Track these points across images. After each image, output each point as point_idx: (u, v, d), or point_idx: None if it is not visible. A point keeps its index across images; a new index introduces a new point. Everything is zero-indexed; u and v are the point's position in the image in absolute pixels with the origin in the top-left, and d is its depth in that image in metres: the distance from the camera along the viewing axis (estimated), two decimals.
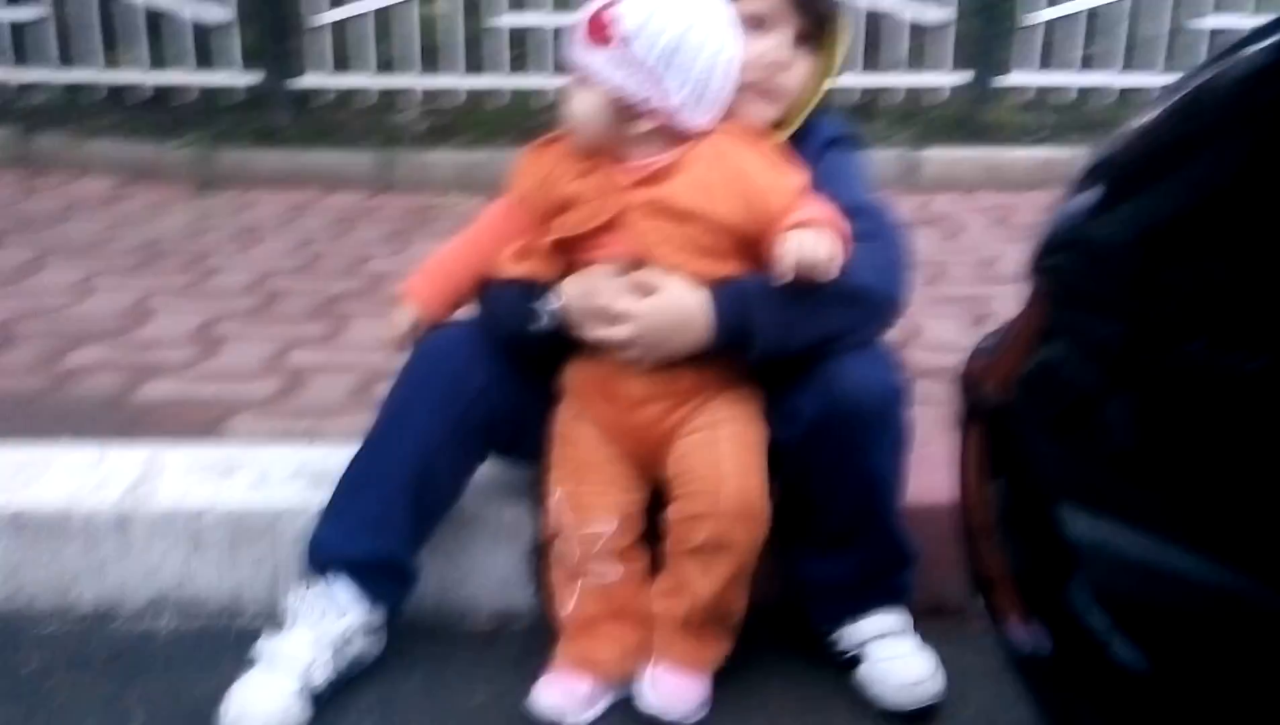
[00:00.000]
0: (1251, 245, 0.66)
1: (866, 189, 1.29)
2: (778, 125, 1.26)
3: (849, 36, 1.29)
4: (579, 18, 1.15)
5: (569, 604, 1.24)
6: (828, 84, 1.25)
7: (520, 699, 1.23)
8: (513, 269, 1.22)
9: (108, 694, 1.24)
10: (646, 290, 1.16)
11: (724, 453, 1.18)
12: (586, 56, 1.14)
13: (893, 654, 1.25)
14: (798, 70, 1.23)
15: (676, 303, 1.15)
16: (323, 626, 1.20)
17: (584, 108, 1.16)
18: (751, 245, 1.16)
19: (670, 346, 1.17)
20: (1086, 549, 0.72)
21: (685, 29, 1.13)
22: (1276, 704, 0.58)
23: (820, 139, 1.28)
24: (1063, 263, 0.82)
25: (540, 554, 1.33)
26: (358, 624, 1.22)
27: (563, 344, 1.22)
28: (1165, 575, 0.66)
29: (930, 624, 1.31)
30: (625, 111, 1.15)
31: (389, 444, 1.23)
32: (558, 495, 1.23)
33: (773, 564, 1.30)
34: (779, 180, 1.18)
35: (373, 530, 1.22)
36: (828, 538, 1.25)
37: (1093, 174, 0.88)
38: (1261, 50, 0.77)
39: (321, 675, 1.19)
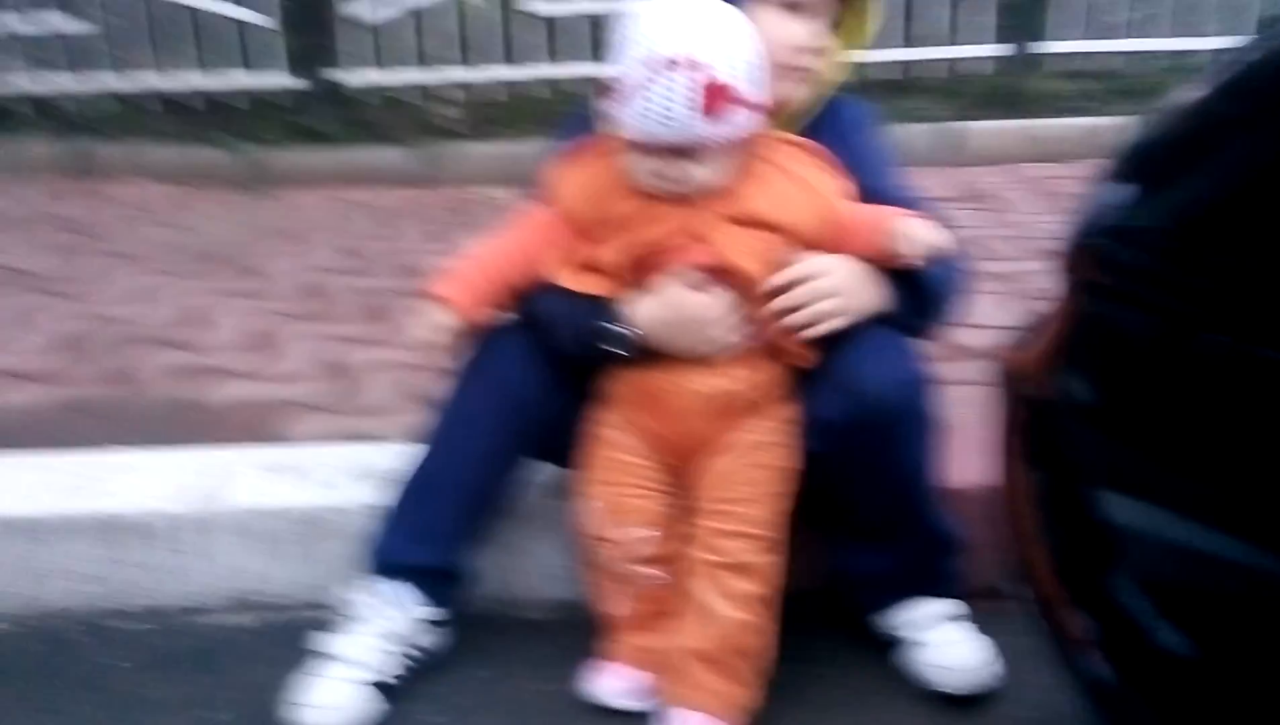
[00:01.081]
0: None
1: (906, 180, 1.31)
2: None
3: (880, 14, 1.27)
4: (671, 101, 1.08)
5: (621, 605, 1.25)
6: (848, 61, 1.27)
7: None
8: (573, 283, 1.20)
9: (196, 691, 1.31)
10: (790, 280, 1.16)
11: (757, 476, 1.19)
12: (712, 131, 1.10)
13: (951, 638, 1.27)
14: (829, 51, 1.25)
15: (852, 265, 1.17)
16: (387, 624, 1.25)
17: (718, 173, 1.14)
18: (812, 251, 1.18)
19: (867, 299, 1.17)
20: (1127, 536, 0.73)
21: (753, 44, 1.12)
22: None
23: (846, 118, 1.29)
24: (1099, 251, 0.83)
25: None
26: (420, 622, 1.27)
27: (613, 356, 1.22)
28: (1207, 561, 0.67)
29: (983, 607, 1.32)
30: (742, 146, 1.15)
31: (449, 453, 1.26)
32: (597, 501, 1.24)
33: (817, 549, 1.32)
34: (835, 184, 1.20)
35: (434, 540, 1.26)
36: (867, 532, 1.26)
37: (1130, 159, 0.87)
38: None
39: (389, 670, 1.24)
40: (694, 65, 1.08)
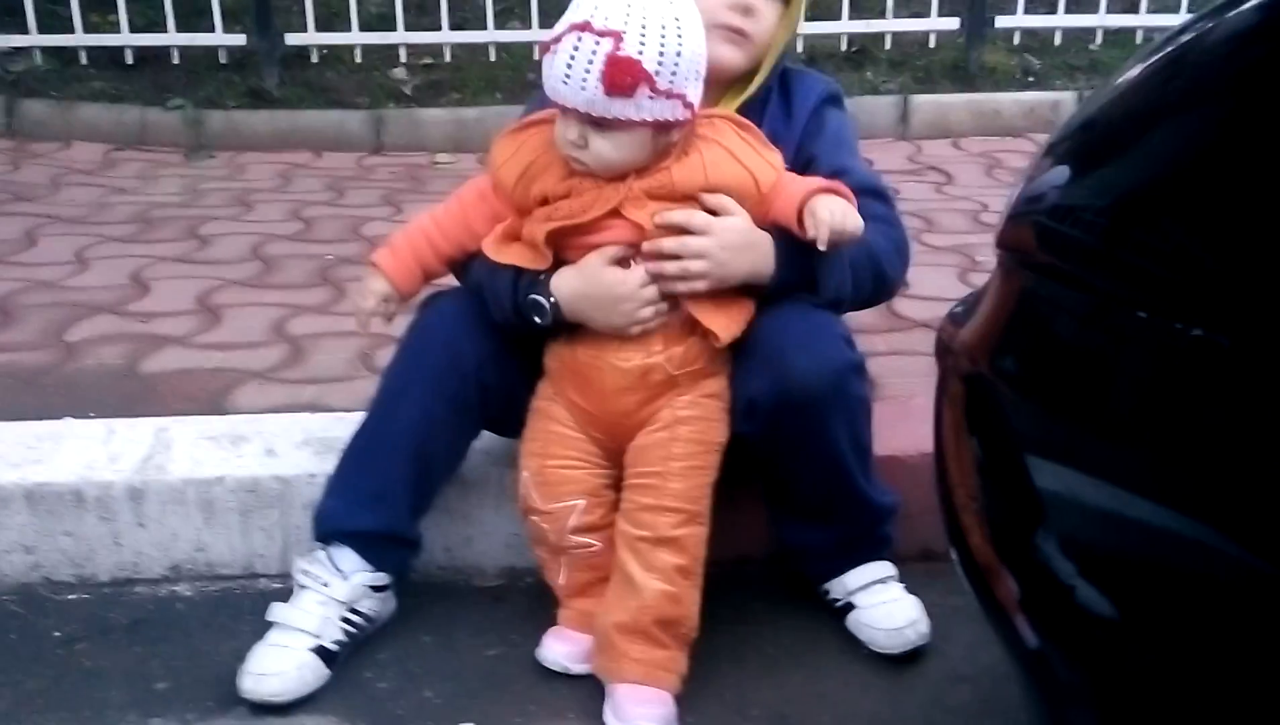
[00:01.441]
0: (1222, 214, 0.68)
1: (859, 155, 1.32)
2: (749, 76, 1.27)
3: None
4: (572, 64, 1.08)
5: (560, 575, 1.27)
6: (789, 32, 1.27)
7: (531, 651, 1.28)
8: (499, 254, 1.21)
9: (132, 659, 1.29)
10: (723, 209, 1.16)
11: (677, 450, 1.19)
12: (611, 106, 1.09)
13: (880, 600, 1.31)
14: (765, 17, 1.24)
15: (748, 227, 1.16)
16: (330, 591, 1.25)
17: (619, 151, 1.13)
18: None
19: (736, 267, 1.16)
20: (1054, 501, 0.76)
21: (687, 34, 1.11)
22: (1237, 645, 0.62)
23: (811, 97, 1.30)
24: (1035, 227, 0.85)
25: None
26: (362, 588, 1.27)
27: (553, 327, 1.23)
28: (1129, 525, 0.70)
29: (918, 568, 1.36)
30: (658, 136, 1.14)
31: (390, 419, 1.26)
32: (524, 473, 1.25)
33: (758, 518, 1.35)
34: (764, 158, 1.19)
35: (375, 503, 1.26)
36: (805, 511, 1.29)
37: (1067, 136, 0.89)
38: (1246, 10, 0.76)
39: (333, 637, 1.25)
40: (603, 33, 1.08)
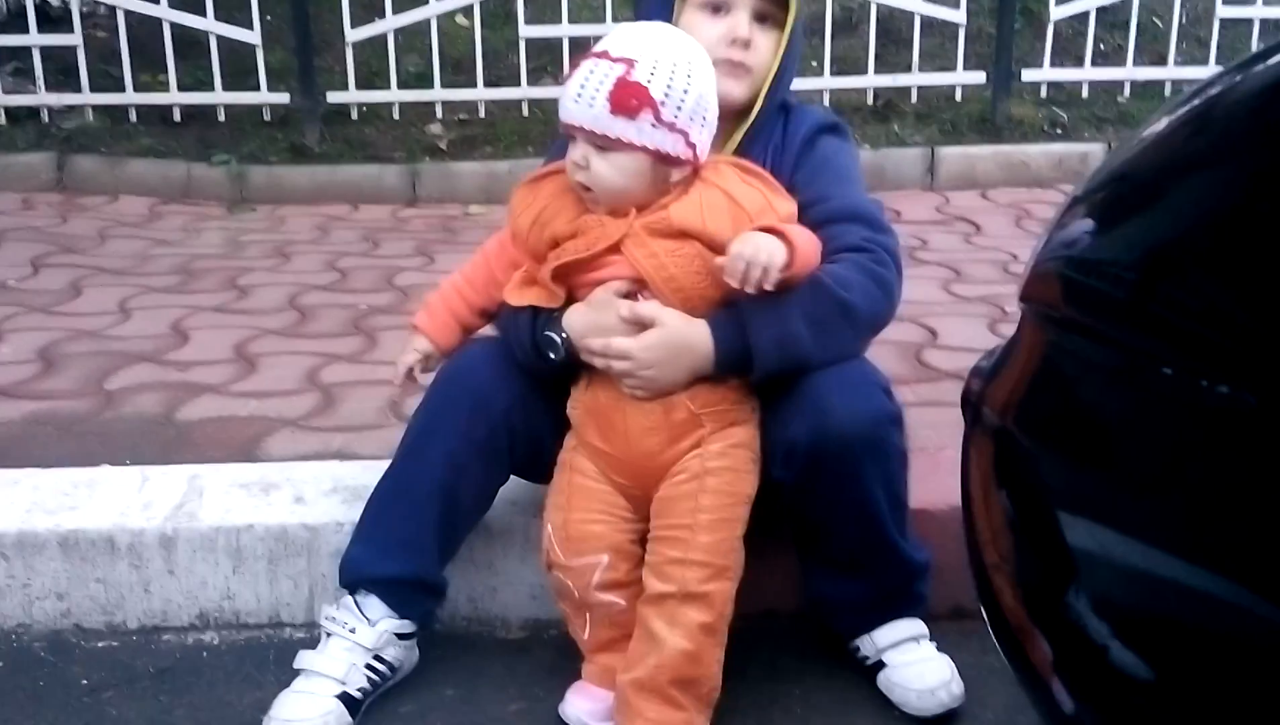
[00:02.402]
0: (1250, 271, 0.67)
1: (862, 186, 1.31)
2: (750, 108, 1.27)
3: (802, 10, 1.28)
4: (585, 85, 1.13)
5: (584, 630, 1.26)
6: (778, 59, 1.27)
7: (553, 706, 1.27)
8: (517, 297, 1.24)
9: (158, 707, 1.30)
10: (644, 324, 1.17)
11: (705, 502, 1.17)
12: (614, 126, 1.13)
13: (912, 659, 1.28)
14: (761, 48, 1.25)
15: (675, 333, 1.17)
16: (356, 637, 1.25)
17: (617, 174, 1.15)
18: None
19: (672, 375, 1.18)
20: (1086, 559, 0.74)
21: (697, 77, 1.15)
22: (1273, 706, 0.60)
23: (805, 126, 1.29)
24: (1061, 281, 0.84)
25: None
26: (389, 635, 1.27)
27: (577, 368, 1.24)
28: (1161, 584, 0.68)
29: (950, 626, 1.33)
30: (659, 169, 1.16)
31: (416, 465, 1.26)
32: (548, 527, 1.24)
33: (790, 571, 1.33)
34: (770, 205, 1.18)
35: (401, 551, 1.26)
36: (837, 562, 1.27)
37: (1094, 189, 0.89)
38: (1275, 64, 0.75)
39: (357, 684, 1.24)
40: (617, 60, 1.13)
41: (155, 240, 3.00)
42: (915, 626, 1.30)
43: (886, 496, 1.22)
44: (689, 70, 1.15)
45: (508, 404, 1.25)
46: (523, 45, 3.66)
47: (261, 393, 1.94)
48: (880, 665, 1.30)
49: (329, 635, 1.26)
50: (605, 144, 1.14)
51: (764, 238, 1.11)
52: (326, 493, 1.49)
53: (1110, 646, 0.71)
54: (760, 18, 1.25)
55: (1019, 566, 0.81)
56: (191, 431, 1.78)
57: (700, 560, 1.16)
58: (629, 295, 1.19)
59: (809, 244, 1.17)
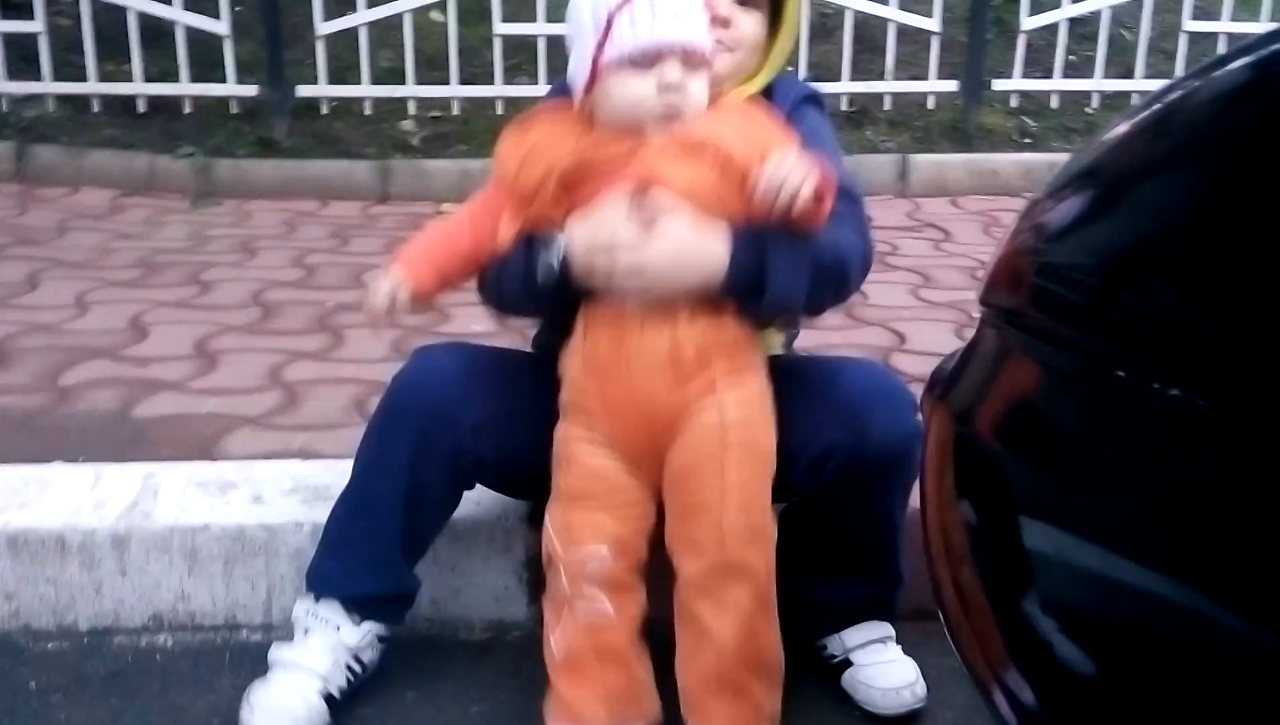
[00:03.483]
0: (1201, 276, 0.68)
1: (839, 158, 1.27)
2: (741, 82, 1.24)
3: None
4: (654, 6, 1.09)
5: (555, 642, 1.16)
6: (787, 41, 1.25)
7: (516, 709, 1.25)
8: (510, 227, 1.15)
9: (108, 711, 1.26)
10: (661, 212, 1.09)
11: (731, 465, 1.10)
12: (708, 39, 1.12)
13: (878, 660, 1.28)
14: (742, 25, 1.21)
15: (696, 231, 1.09)
16: (341, 636, 1.23)
17: (705, 91, 1.13)
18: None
19: (684, 275, 1.10)
20: (1040, 562, 0.74)
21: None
22: (1225, 710, 0.60)
23: (791, 96, 1.28)
24: (1021, 285, 0.84)
25: (534, 571, 1.33)
26: (371, 638, 1.25)
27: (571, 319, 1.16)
28: (1115, 587, 0.68)
29: (912, 627, 1.33)
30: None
31: (376, 481, 1.22)
32: (547, 521, 1.18)
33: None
34: (778, 137, 1.14)
35: (371, 569, 1.24)
36: (838, 566, 1.26)
37: (1054, 194, 0.89)
38: (1234, 69, 0.76)
39: (337, 683, 1.23)
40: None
41: (116, 233, 2.94)
42: (883, 628, 1.31)
43: (901, 510, 1.22)
44: None
45: (477, 419, 1.19)
46: (498, 43, 3.63)
47: (222, 390, 1.91)
48: (846, 664, 1.30)
49: (307, 631, 1.24)
50: (698, 61, 1.11)
51: (800, 160, 1.06)
52: (286, 492, 1.47)
53: (1060, 647, 0.71)
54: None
55: (976, 570, 0.81)
56: (148, 429, 1.74)
57: (736, 525, 1.09)
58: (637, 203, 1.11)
59: (829, 175, 1.10)
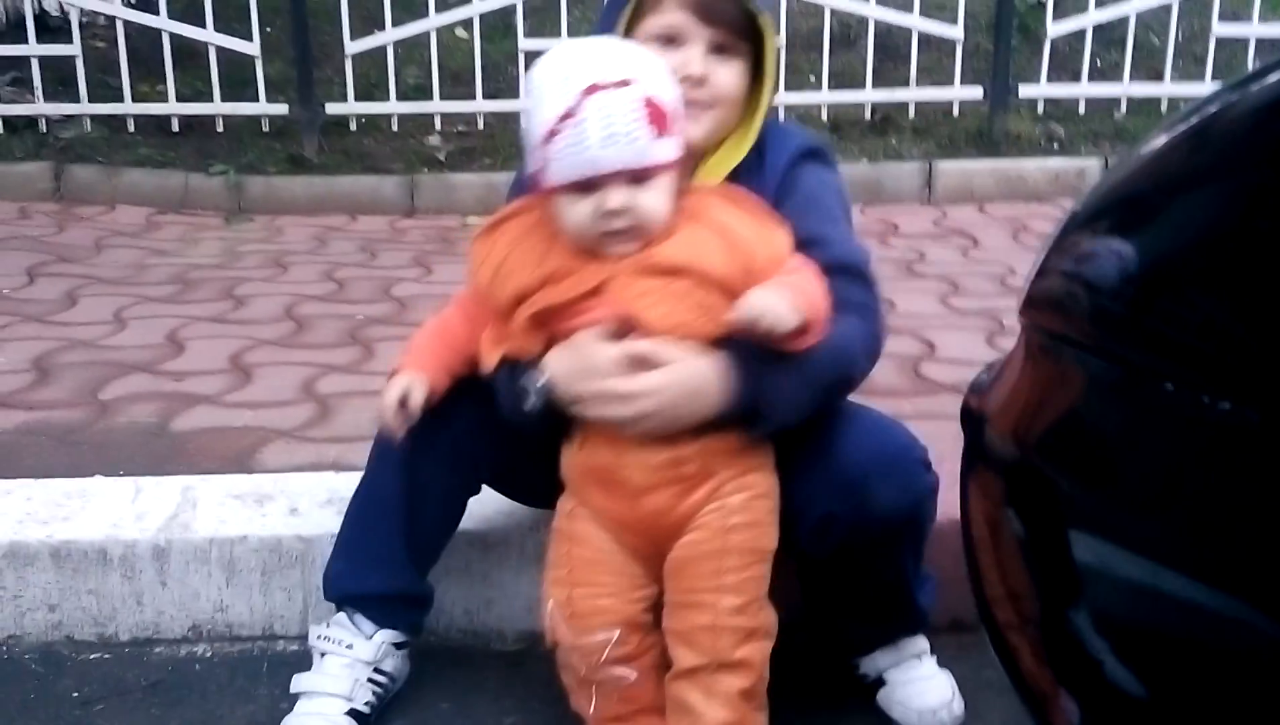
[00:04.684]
0: (1248, 289, 0.67)
1: (850, 222, 1.21)
2: (720, 144, 1.17)
3: (778, 41, 1.16)
4: (612, 122, 1.01)
5: (589, 705, 1.15)
6: (767, 94, 1.16)
7: (550, 719, 1.25)
8: (492, 354, 1.13)
9: (149, 720, 1.28)
10: (651, 363, 1.06)
11: (729, 564, 1.08)
12: (658, 151, 1.03)
13: (913, 677, 1.27)
14: (720, 79, 1.14)
15: (690, 372, 1.06)
16: (354, 653, 1.23)
17: (662, 199, 1.06)
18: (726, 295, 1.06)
19: (681, 419, 1.06)
20: (1090, 576, 0.73)
21: (661, 66, 1.07)
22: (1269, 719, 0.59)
23: (786, 153, 1.18)
24: (1061, 297, 0.84)
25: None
26: (387, 647, 1.25)
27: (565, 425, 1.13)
28: (1166, 600, 0.67)
29: (948, 639, 1.32)
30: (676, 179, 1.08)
31: (377, 479, 1.22)
32: (550, 604, 1.14)
33: (788, 587, 1.31)
34: (764, 235, 1.09)
35: (379, 567, 1.23)
36: (858, 612, 1.25)
37: (1093, 205, 0.89)
38: (1273, 81, 0.75)
39: (364, 699, 1.23)
40: (619, 84, 1.02)
41: (152, 250, 3.00)
42: (918, 644, 1.29)
43: (914, 560, 1.21)
44: (663, 67, 1.08)
45: (475, 419, 1.17)
46: (522, 57, 3.67)
47: (257, 403, 1.93)
48: (880, 682, 1.29)
49: (323, 655, 1.24)
50: (646, 175, 1.04)
51: (775, 298, 1.02)
52: (321, 504, 1.48)
53: (1110, 664, 0.70)
54: (718, 49, 1.13)
55: (1023, 585, 0.81)
56: (186, 442, 1.76)
57: (731, 625, 1.08)
58: (616, 337, 1.08)
59: (819, 300, 1.07)
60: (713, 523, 1.09)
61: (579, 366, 1.07)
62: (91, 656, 1.40)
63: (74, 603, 1.42)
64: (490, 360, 1.13)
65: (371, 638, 1.24)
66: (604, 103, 1.01)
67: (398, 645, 1.27)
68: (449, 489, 1.25)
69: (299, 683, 1.24)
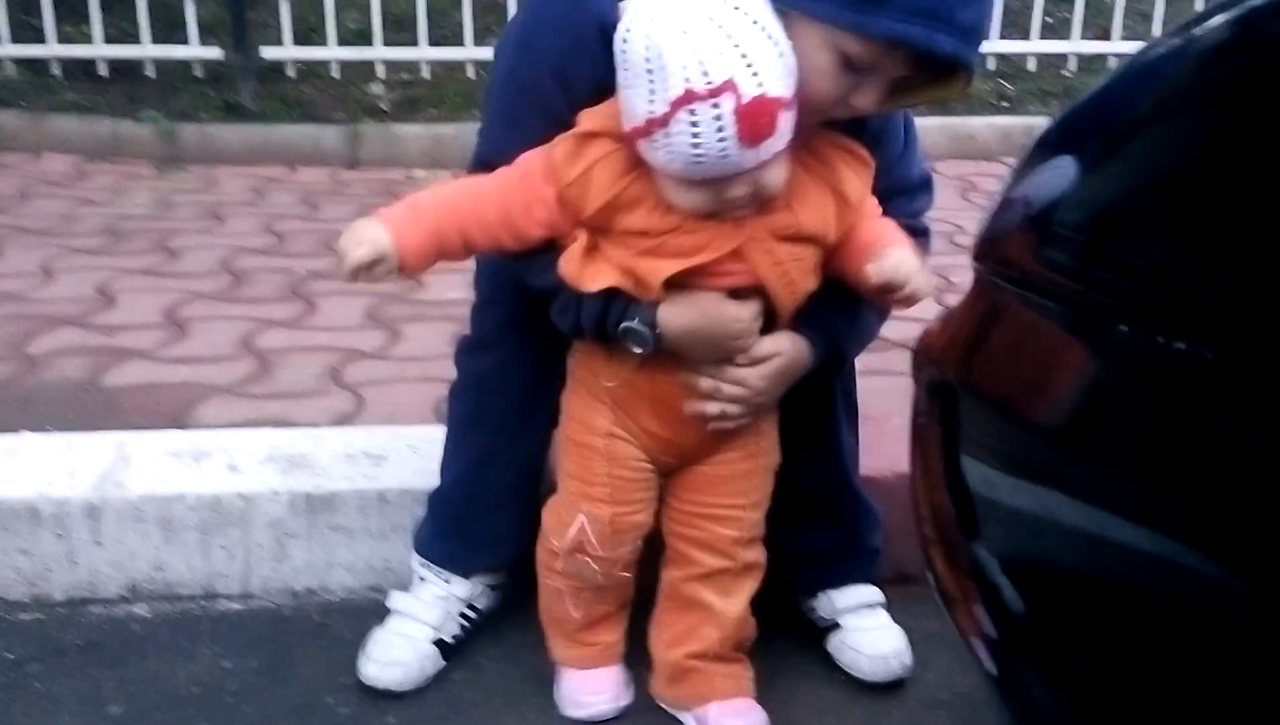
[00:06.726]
0: (1195, 229, 0.68)
1: (916, 145, 1.25)
2: None
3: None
4: (693, 140, 0.94)
5: (577, 610, 1.21)
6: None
7: (495, 671, 1.26)
8: (589, 279, 1.06)
9: (85, 682, 1.25)
10: (758, 358, 1.11)
11: (757, 482, 1.19)
12: (760, 152, 0.96)
13: (868, 625, 1.30)
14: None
15: (790, 360, 1.13)
16: (451, 588, 1.28)
17: (781, 173, 1.01)
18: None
19: (773, 399, 1.16)
20: (1031, 520, 0.75)
21: (770, 29, 0.95)
22: (1212, 660, 0.61)
23: None
24: (1008, 243, 0.84)
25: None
26: (483, 587, 1.31)
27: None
28: (1108, 543, 0.69)
29: (894, 591, 1.34)
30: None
31: (496, 461, 1.26)
32: (584, 519, 1.16)
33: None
34: (864, 192, 1.09)
35: (496, 545, 1.29)
36: (809, 508, 1.28)
37: (1040, 151, 0.89)
38: (1216, 26, 0.76)
39: (451, 631, 1.28)
40: (714, 93, 0.92)
41: (80, 200, 2.87)
42: (874, 593, 1.32)
43: (844, 401, 1.28)
44: (767, 32, 0.94)
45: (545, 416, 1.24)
46: (468, 3, 3.56)
47: (193, 358, 1.87)
48: (834, 627, 1.31)
49: (422, 580, 1.28)
50: (772, 163, 0.99)
51: (920, 269, 1.03)
52: (262, 461, 1.45)
53: (1045, 604, 0.71)
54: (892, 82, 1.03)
55: (963, 529, 0.82)
56: (119, 398, 1.71)
57: (751, 536, 1.19)
58: (732, 295, 1.08)
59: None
60: (747, 443, 1.18)
61: (705, 327, 1.08)
62: (25, 617, 1.36)
63: (5, 562, 1.37)
64: (592, 283, 1.06)
65: (469, 578, 1.29)
66: (691, 119, 0.93)
67: (492, 587, 1.31)
68: (543, 446, 1.27)
69: (395, 599, 1.29)
